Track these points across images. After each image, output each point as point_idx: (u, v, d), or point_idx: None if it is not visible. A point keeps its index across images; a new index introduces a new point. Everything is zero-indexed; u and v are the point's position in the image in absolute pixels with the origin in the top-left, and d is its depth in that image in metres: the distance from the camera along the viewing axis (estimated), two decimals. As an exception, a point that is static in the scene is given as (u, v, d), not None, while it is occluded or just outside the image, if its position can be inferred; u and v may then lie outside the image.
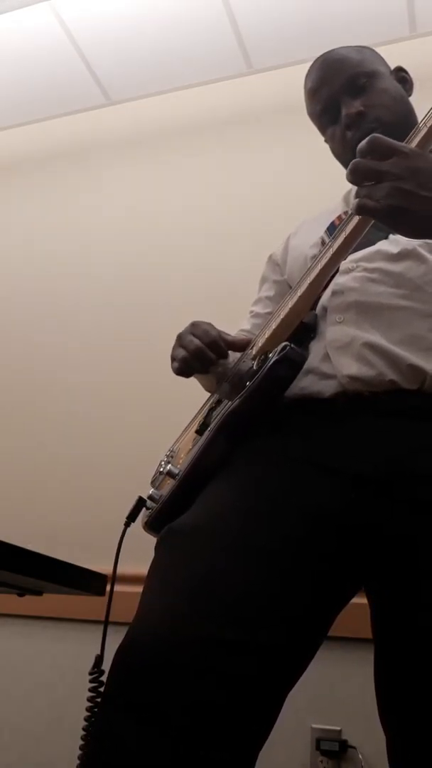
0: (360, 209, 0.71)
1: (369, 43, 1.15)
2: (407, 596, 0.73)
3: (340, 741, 1.33)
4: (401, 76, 1.12)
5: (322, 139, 1.15)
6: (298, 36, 1.92)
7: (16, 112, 2.28)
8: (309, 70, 1.11)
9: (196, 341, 0.91)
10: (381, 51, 1.14)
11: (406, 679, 0.72)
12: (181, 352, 0.92)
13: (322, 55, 1.10)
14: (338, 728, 1.35)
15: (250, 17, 1.90)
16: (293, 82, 1.15)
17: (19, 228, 2.27)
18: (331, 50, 1.10)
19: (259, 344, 0.89)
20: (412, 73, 1.14)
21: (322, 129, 1.13)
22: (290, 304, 0.88)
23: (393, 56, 1.14)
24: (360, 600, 0.81)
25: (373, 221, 0.79)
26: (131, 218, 2.12)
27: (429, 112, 0.76)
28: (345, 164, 1.10)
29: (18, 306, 2.15)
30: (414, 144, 0.74)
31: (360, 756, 1.31)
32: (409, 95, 1.11)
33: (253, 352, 0.89)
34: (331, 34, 1.86)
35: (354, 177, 0.71)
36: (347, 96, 1.04)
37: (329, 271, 0.86)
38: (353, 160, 0.71)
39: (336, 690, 1.38)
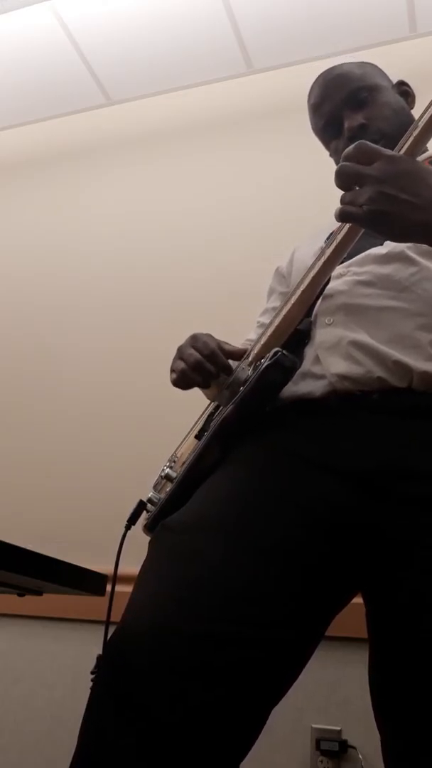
0: (342, 216, 0.73)
1: (369, 43, 1.15)
2: (402, 596, 0.73)
3: (340, 741, 1.33)
4: (403, 89, 1.13)
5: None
6: (298, 36, 1.92)
7: (16, 112, 2.28)
8: (311, 87, 1.12)
9: (196, 354, 0.90)
10: (381, 51, 1.15)
11: (402, 679, 0.72)
12: (180, 365, 0.92)
13: (323, 72, 1.11)
14: (338, 728, 1.35)
15: (250, 17, 1.90)
16: (293, 82, 1.15)
17: (19, 228, 2.27)
18: (332, 66, 1.11)
19: (255, 351, 0.90)
20: (412, 73, 1.15)
21: (326, 143, 1.14)
22: (284, 311, 0.89)
23: (393, 56, 1.15)
24: (360, 600, 0.81)
25: (363, 229, 0.80)
26: (131, 218, 2.12)
27: (420, 117, 0.79)
28: None
29: (18, 306, 2.15)
30: (405, 148, 0.77)
31: (360, 756, 1.31)
32: (411, 108, 1.12)
33: (249, 359, 0.90)
34: (331, 35, 1.87)
35: (339, 180, 0.73)
36: (349, 109, 1.06)
37: (322, 278, 0.87)
38: (339, 164, 0.73)
39: (336, 690, 1.38)
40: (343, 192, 0.74)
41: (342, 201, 0.73)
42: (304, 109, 1.15)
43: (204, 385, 0.92)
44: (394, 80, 1.13)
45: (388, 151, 0.72)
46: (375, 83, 1.07)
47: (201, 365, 0.89)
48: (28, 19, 1.98)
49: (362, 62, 1.12)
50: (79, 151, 2.28)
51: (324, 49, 1.11)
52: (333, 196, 1.14)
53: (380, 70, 1.13)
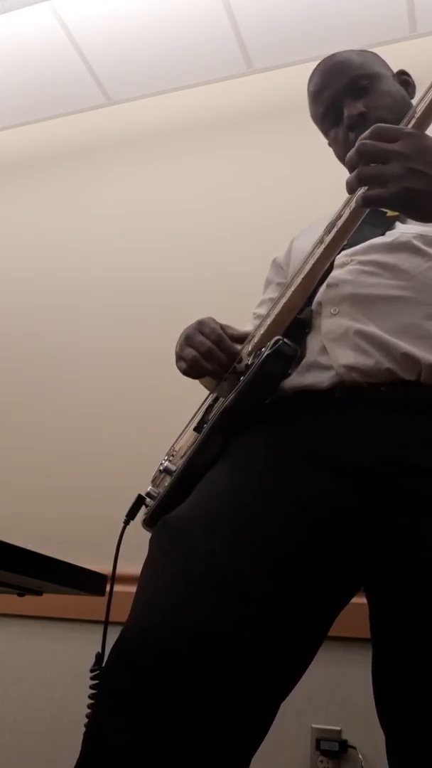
0: (367, 201, 0.71)
1: (369, 43, 1.15)
2: (402, 595, 0.73)
3: (340, 741, 1.33)
4: (404, 79, 1.13)
5: (322, 139, 1.15)
6: (298, 36, 1.92)
7: (16, 112, 2.28)
8: (311, 74, 1.11)
9: (207, 342, 0.89)
10: (381, 51, 1.14)
11: (403, 679, 0.72)
12: (192, 353, 0.90)
13: (324, 59, 1.10)
14: (338, 728, 1.35)
15: (250, 17, 1.90)
16: (293, 82, 1.15)
17: (19, 228, 2.27)
18: (333, 54, 1.10)
19: (255, 341, 0.88)
20: (412, 73, 1.14)
21: (325, 132, 1.13)
22: (283, 300, 0.88)
23: (393, 56, 1.15)
24: (360, 600, 0.81)
25: (363, 217, 0.79)
26: (131, 218, 2.12)
27: (418, 103, 0.77)
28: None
29: (17, 306, 2.15)
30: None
31: (360, 756, 1.31)
32: (412, 98, 1.11)
33: (249, 348, 0.89)
34: (331, 35, 1.87)
35: (360, 158, 0.70)
36: (349, 97, 1.05)
37: (322, 265, 0.85)
38: (359, 141, 0.71)
39: (336, 690, 1.38)
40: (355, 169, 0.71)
41: (361, 175, 0.70)
42: (304, 109, 1.15)
43: (215, 375, 0.89)
44: None
45: (409, 129, 0.71)
46: (375, 71, 1.07)
47: (212, 353, 0.87)
48: (28, 19, 1.98)
49: (363, 50, 1.11)
50: (79, 151, 2.28)
51: (324, 49, 1.11)
52: (333, 196, 1.14)
53: (381, 58, 1.12)
